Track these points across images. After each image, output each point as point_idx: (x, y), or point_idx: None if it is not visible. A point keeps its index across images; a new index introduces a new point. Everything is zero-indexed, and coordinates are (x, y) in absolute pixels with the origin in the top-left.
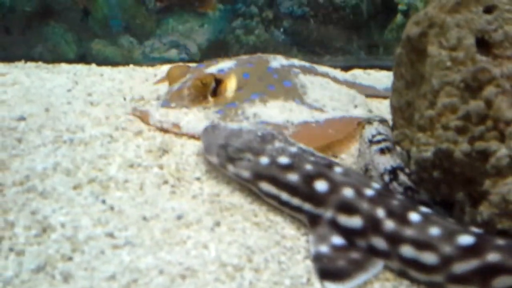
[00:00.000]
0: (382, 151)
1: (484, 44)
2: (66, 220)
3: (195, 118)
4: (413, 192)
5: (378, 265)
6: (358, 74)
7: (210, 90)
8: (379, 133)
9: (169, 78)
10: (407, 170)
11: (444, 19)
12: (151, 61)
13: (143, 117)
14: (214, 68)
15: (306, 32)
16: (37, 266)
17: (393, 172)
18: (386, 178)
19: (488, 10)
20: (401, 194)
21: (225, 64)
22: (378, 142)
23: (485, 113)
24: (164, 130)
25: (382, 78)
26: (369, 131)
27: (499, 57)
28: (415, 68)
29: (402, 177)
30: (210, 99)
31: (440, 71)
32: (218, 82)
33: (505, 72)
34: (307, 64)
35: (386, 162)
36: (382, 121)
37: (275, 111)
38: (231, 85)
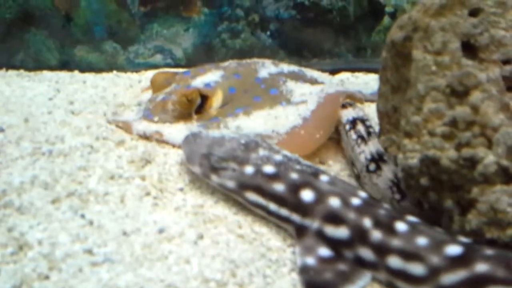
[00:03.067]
0: (344, 106)
1: (469, 48)
2: (44, 236)
3: (177, 130)
4: (362, 141)
5: (366, 277)
6: (346, 78)
7: (195, 107)
8: None
9: (153, 85)
10: (368, 123)
11: (428, 23)
12: (136, 67)
13: (125, 128)
14: (201, 80)
15: (293, 35)
16: (13, 286)
17: (353, 122)
18: (347, 127)
19: (474, 13)
20: (354, 142)
21: (212, 75)
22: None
23: (472, 119)
24: (147, 138)
25: (370, 82)
26: None
27: (485, 61)
28: (401, 73)
29: (359, 126)
30: (194, 116)
31: (425, 76)
32: (204, 97)
33: (491, 77)
34: (296, 68)
35: (348, 114)
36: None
37: (259, 122)
38: (217, 102)
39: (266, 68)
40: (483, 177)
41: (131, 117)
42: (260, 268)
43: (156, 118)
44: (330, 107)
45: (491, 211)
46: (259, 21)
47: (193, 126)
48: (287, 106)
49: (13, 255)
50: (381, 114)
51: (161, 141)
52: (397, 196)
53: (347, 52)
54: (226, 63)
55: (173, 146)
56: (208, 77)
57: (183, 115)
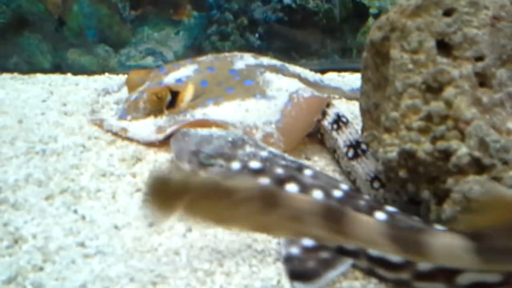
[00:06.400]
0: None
1: (444, 46)
2: (38, 231)
3: (143, 125)
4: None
5: (347, 262)
6: (332, 77)
7: (165, 103)
8: None
9: (128, 85)
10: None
11: (405, 23)
12: (127, 69)
13: (100, 125)
14: (173, 76)
15: (281, 37)
16: (8, 277)
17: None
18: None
19: (448, 13)
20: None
21: (185, 70)
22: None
23: (446, 113)
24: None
25: (356, 81)
26: None
27: (459, 59)
28: (380, 71)
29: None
30: (165, 111)
31: (402, 74)
32: (175, 93)
33: (464, 73)
34: (278, 63)
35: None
36: None
37: (227, 111)
38: (188, 96)
39: (244, 60)
40: (457, 168)
41: (108, 117)
42: (246, 258)
43: (129, 117)
44: (303, 113)
45: (464, 200)
46: (247, 23)
47: (161, 120)
48: (261, 99)
49: (8, 248)
50: (363, 111)
51: (126, 138)
52: None
53: (333, 53)
54: (203, 57)
55: (138, 142)
56: (181, 72)
57: (154, 112)
